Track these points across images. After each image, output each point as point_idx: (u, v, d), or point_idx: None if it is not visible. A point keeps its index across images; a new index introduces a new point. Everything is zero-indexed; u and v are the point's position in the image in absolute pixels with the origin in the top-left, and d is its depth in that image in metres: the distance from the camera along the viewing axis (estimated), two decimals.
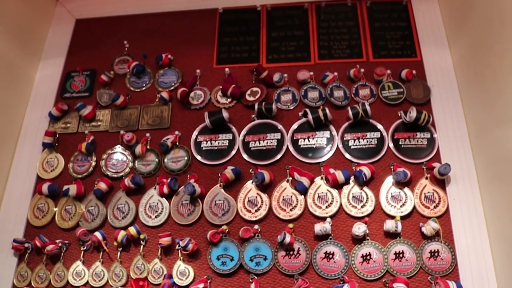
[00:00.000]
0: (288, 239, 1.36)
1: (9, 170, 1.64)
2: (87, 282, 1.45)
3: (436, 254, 1.36)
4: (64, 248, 1.50)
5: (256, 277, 1.38)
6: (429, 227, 1.36)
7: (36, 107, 1.75)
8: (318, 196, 1.44)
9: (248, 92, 1.62)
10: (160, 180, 1.52)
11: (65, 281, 1.46)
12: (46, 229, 1.55)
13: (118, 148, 1.61)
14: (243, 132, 1.57)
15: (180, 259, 1.43)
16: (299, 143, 1.53)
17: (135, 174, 1.53)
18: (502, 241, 1.31)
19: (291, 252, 1.39)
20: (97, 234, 1.47)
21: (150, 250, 1.46)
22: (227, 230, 1.43)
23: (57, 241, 1.49)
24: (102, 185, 1.53)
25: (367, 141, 1.51)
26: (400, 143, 1.50)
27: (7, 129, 1.66)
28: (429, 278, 1.34)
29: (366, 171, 1.43)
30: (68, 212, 1.54)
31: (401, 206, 1.42)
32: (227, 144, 1.55)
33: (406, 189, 1.44)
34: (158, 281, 1.41)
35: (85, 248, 1.49)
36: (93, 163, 1.60)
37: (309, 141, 1.53)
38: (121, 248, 1.47)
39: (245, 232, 1.40)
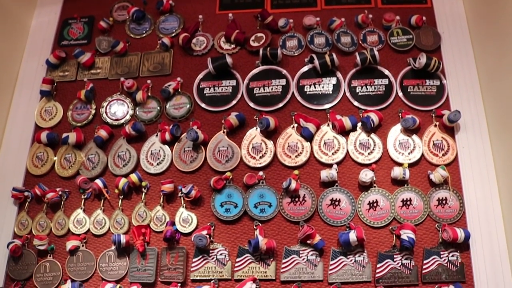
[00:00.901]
0: (293, 185, 1.33)
1: (7, 119, 1.60)
2: (89, 230, 1.43)
3: (444, 201, 1.34)
4: (65, 197, 1.47)
5: (260, 224, 1.36)
6: (438, 175, 1.33)
7: (32, 55, 1.69)
8: (324, 143, 1.41)
9: (252, 38, 1.57)
10: (162, 127, 1.48)
11: (66, 229, 1.44)
12: (45, 178, 1.52)
13: (118, 95, 1.57)
14: (247, 78, 1.52)
15: (183, 206, 1.40)
16: (305, 90, 1.48)
17: (136, 121, 1.49)
18: (511, 189, 1.28)
19: (297, 199, 1.36)
20: (98, 182, 1.44)
21: (152, 197, 1.43)
22: (231, 177, 1.40)
23: (57, 189, 1.46)
24: (103, 133, 1.50)
25: (374, 88, 1.47)
26: (408, 90, 1.46)
27: (3, 77, 1.61)
28: (436, 225, 1.32)
29: (374, 117, 1.39)
30: (67, 161, 1.51)
31: (409, 154, 1.39)
32: (230, 90, 1.51)
33: (414, 137, 1.40)
34: (161, 228, 1.39)
35: (85, 196, 1.46)
36: (93, 111, 1.56)
37: (315, 87, 1.48)
38: (122, 196, 1.44)
39: (250, 178, 1.38)
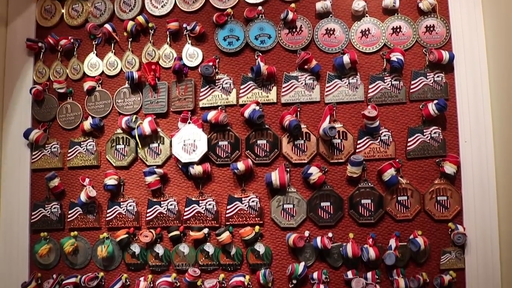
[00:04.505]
0: (290, 15, 1.42)
1: None
2: (103, 72, 1.54)
3: (431, 28, 1.43)
4: (76, 44, 1.57)
5: (261, 54, 1.46)
6: (426, 3, 1.41)
7: None
8: None
9: None
10: None
11: (82, 73, 1.55)
12: (56, 29, 1.60)
13: None
14: None
15: (189, 43, 1.50)
16: None
17: None
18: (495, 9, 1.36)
19: (294, 29, 1.46)
20: (107, 26, 1.52)
21: (159, 38, 1.53)
22: (232, 13, 1.48)
23: (69, 37, 1.56)
24: None
25: None
26: None
27: None
28: (424, 50, 1.42)
29: None
30: (75, 11, 1.59)
31: None
32: None
33: None
34: (169, 64, 1.49)
35: (96, 42, 1.56)
36: None
37: None
38: (131, 38, 1.53)
39: (250, 12, 1.46)
